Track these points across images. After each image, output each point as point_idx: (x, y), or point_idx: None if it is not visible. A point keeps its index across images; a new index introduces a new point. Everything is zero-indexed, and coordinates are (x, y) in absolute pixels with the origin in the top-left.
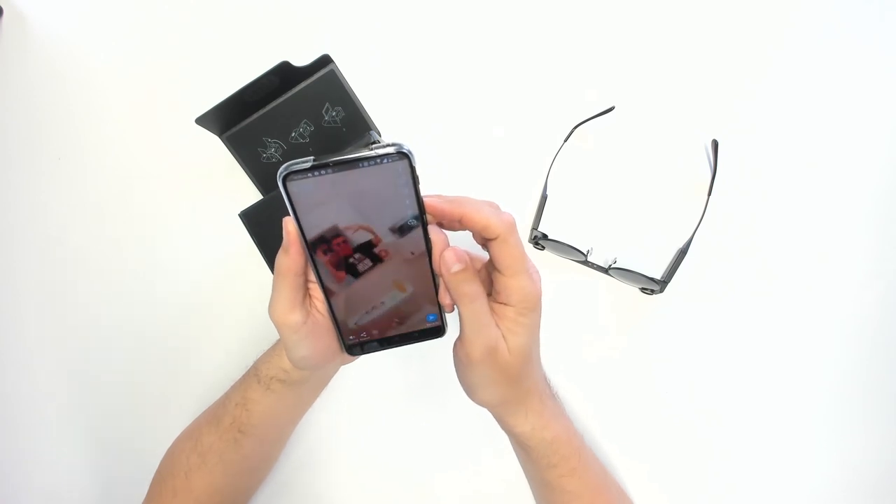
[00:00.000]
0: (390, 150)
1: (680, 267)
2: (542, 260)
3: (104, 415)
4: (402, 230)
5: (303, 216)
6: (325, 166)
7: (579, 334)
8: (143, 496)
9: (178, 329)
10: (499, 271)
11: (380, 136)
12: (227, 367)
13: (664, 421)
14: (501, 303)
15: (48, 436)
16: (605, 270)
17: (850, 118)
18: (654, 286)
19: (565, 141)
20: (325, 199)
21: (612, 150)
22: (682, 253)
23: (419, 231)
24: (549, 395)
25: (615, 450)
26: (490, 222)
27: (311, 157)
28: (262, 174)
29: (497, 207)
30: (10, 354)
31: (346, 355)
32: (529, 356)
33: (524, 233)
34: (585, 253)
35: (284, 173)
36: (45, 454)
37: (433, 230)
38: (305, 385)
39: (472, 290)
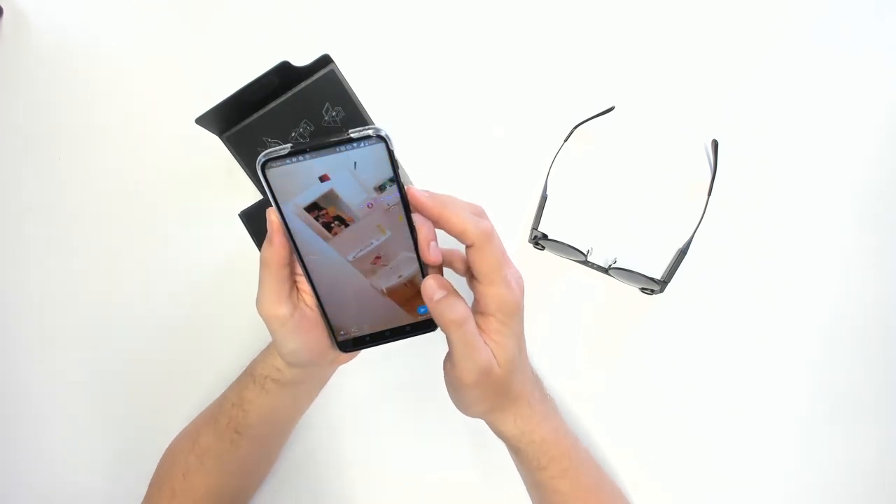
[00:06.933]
0: (368, 132)
1: (680, 267)
2: (542, 260)
3: (102, 416)
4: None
5: (285, 205)
6: (303, 151)
7: (579, 334)
8: (142, 497)
9: (177, 329)
10: (476, 279)
11: None
12: (226, 368)
13: (663, 421)
14: (482, 312)
15: (46, 437)
16: (605, 270)
17: (850, 118)
18: (654, 286)
19: (565, 141)
20: (305, 186)
21: (612, 150)
22: (682, 253)
23: (403, 218)
24: (537, 398)
25: (614, 450)
26: (466, 228)
27: (290, 144)
28: None
29: (481, 213)
30: (9, 355)
31: (338, 353)
32: (517, 365)
33: (524, 233)
34: (585, 253)
35: (263, 160)
36: (43, 455)
37: (418, 219)
38: (301, 385)
39: (457, 315)
